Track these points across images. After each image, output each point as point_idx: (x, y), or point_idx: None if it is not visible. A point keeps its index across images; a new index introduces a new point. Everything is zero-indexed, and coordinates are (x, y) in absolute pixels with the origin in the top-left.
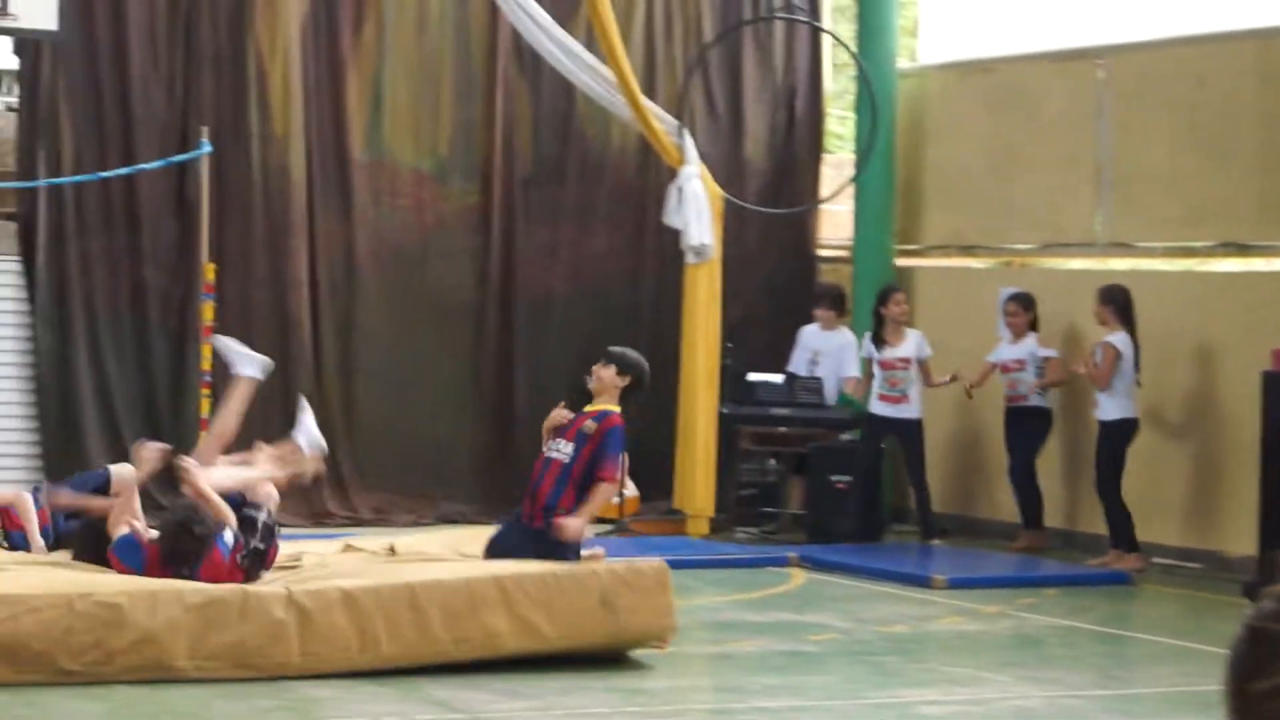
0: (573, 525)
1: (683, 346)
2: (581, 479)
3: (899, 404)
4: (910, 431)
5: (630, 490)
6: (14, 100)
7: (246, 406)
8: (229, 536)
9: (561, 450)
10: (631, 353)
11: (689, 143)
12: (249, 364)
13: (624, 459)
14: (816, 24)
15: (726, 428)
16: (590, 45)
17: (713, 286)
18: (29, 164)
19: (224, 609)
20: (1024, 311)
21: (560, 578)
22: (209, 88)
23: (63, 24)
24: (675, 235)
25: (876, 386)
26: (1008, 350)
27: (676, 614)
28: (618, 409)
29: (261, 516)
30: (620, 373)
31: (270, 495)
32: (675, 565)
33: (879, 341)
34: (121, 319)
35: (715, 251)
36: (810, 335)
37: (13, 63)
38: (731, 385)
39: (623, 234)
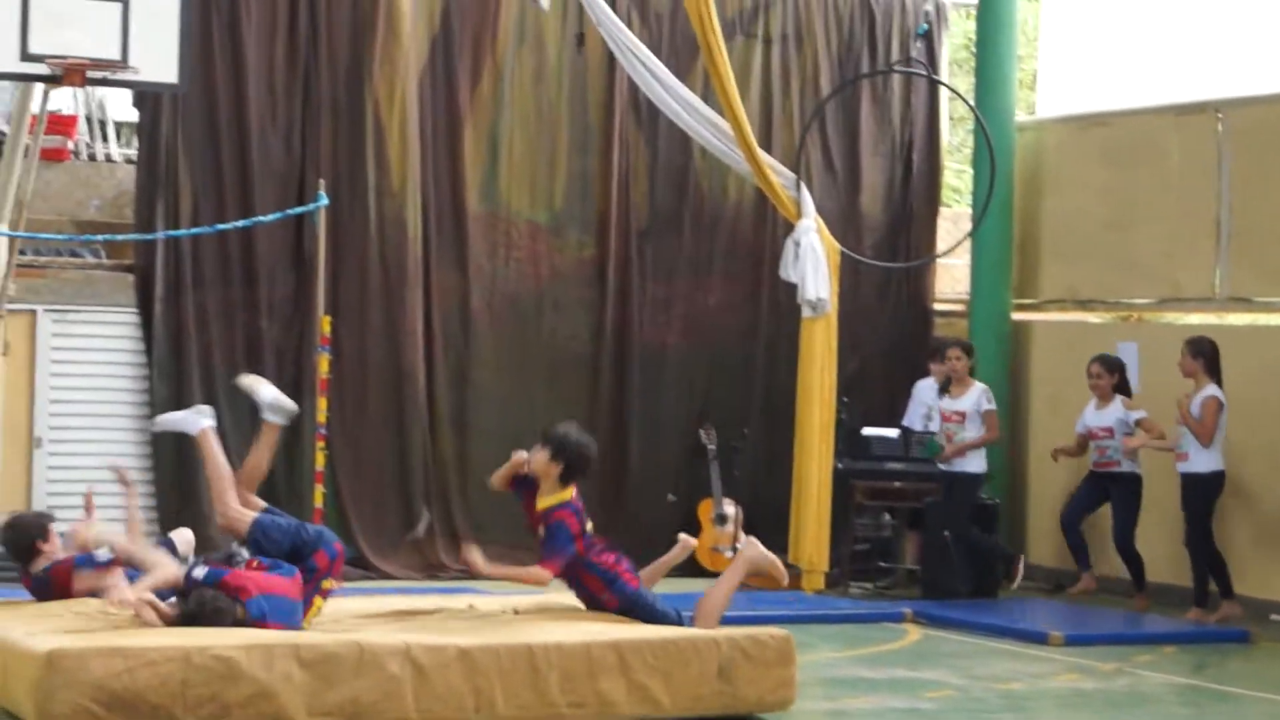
0: (477, 561)
1: (798, 401)
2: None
3: (954, 459)
4: (966, 485)
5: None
6: (133, 153)
7: (273, 450)
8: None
9: None
10: (570, 434)
11: (806, 196)
12: (275, 412)
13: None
14: (934, 77)
15: (841, 482)
16: (707, 98)
17: (829, 340)
18: (147, 216)
19: (339, 664)
20: (1108, 374)
21: (680, 646)
22: (326, 140)
23: (183, 77)
24: (791, 289)
25: (940, 438)
26: (1093, 416)
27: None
28: (563, 497)
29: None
30: (553, 458)
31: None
32: (789, 620)
33: (946, 392)
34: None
35: (831, 305)
36: (926, 390)
37: (132, 115)
38: (846, 440)
39: (738, 288)
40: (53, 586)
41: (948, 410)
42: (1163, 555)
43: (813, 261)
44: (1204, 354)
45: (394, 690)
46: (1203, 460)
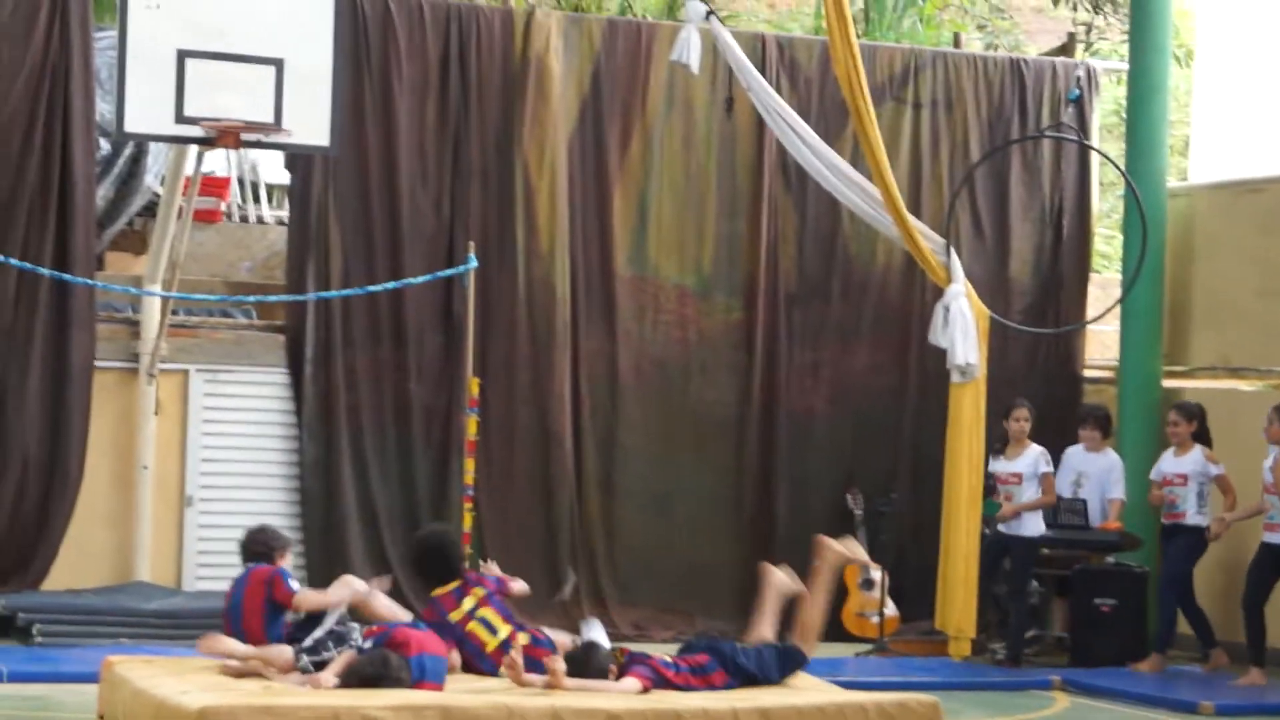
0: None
1: (946, 466)
2: None
3: (1011, 520)
4: (1021, 549)
5: (890, 610)
6: (285, 214)
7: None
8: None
9: None
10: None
11: (955, 261)
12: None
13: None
14: (1086, 143)
15: (989, 548)
16: (856, 163)
17: (977, 406)
18: (298, 277)
19: None
20: (1186, 422)
21: (828, 712)
22: (476, 202)
23: (334, 139)
24: (939, 354)
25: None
26: (1170, 463)
27: None
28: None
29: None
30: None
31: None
32: (936, 687)
33: (998, 455)
34: (385, 432)
35: (980, 371)
36: (1075, 456)
37: (284, 177)
38: (994, 506)
39: (886, 352)
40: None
41: (1003, 472)
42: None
43: (962, 327)
44: None
45: None
46: None
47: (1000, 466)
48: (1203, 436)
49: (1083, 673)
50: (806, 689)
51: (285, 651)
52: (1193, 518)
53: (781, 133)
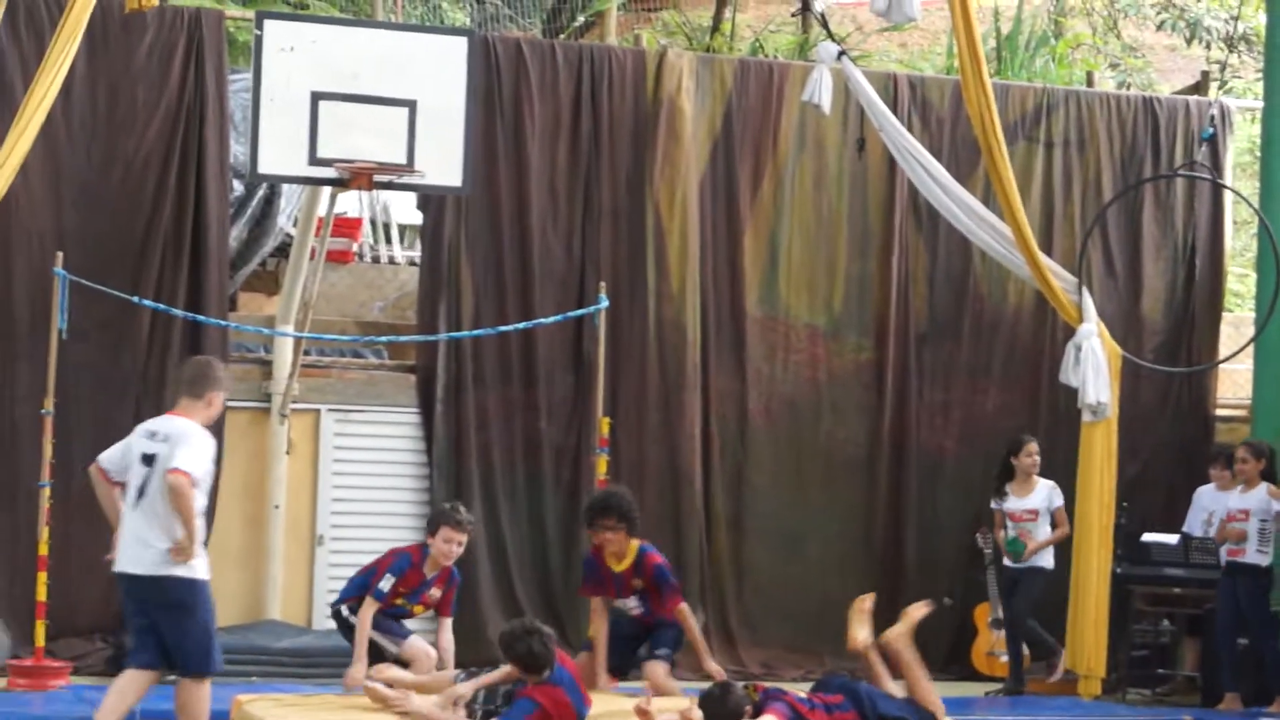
0: None
1: (1077, 505)
2: None
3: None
4: (1031, 580)
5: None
6: (416, 254)
7: None
8: None
9: None
10: None
11: (1088, 300)
12: None
13: None
14: (1220, 181)
15: (1120, 588)
16: (988, 202)
17: (1109, 445)
18: (430, 317)
19: None
20: (1254, 460)
21: None
22: (607, 242)
23: (466, 180)
24: (1071, 393)
25: (1008, 537)
26: (1236, 500)
27: None
28: None
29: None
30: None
31: None
32: None
33: (1002, 493)
34: (515, 471)
35: (1112, 410)
36: (1206, 495)
37: (416, 218)
38: (1126, 545)
39: (1017, 392)
40: None
41: (1018, 510)
42: None
43: (1094, 365)
44: None
45: None
46: None
47: (1014, 505)
48: (1270, 475)
49: (1214, 714)
50: None
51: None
52: (1253, 555)
53: (913, 172)
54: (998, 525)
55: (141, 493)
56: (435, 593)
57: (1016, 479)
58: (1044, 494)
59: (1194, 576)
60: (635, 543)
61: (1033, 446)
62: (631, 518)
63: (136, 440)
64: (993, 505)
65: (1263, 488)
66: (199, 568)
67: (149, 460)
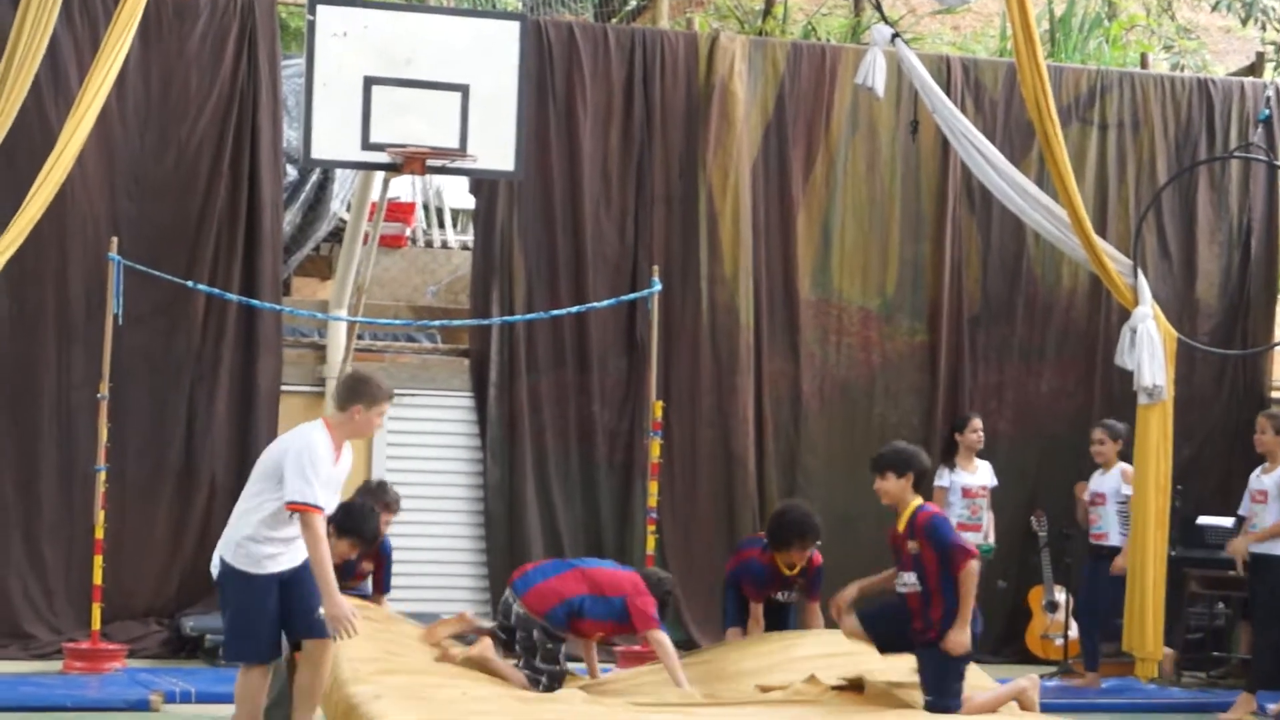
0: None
1: (1133, 488)
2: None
3: (976, 534)
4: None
5: (1075, 632)
6: (469, 239)
7: None
8: None
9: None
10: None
11: (1143, 283)
12: None
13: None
14: (1275, 163)
15: (1175, 571)
16: (1042, 184)
17: (1164, 428)
18: (483, 302)
19: None
20: (1111, 441)
21: None
22: (660, 226)
23: (519, 164)
24: (1124, 376)
25: (955, 516)
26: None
27: None
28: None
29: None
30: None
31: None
32: (1123, 709)
33: (951, 466)
34: (569, 455)
35: (1167, 393)
36: (1260, 478)
37: (469, 202)
38: (1181, 528)
39: (1071, 374)
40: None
41: (972, 487)
42: None
43: (1149, 348)
44: None
45: None
46: None
47: (968, 481)
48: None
49: (1270, 696)
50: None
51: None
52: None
53: (967, 155)
54: (942, 505)
55: None
56: (366, 567)
57: (960, 455)
58: (988, 471)
59: (1248, 556)
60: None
61: (977, 423)
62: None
63: None
64: (937, 483)
65: (1118, 470)
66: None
67: None
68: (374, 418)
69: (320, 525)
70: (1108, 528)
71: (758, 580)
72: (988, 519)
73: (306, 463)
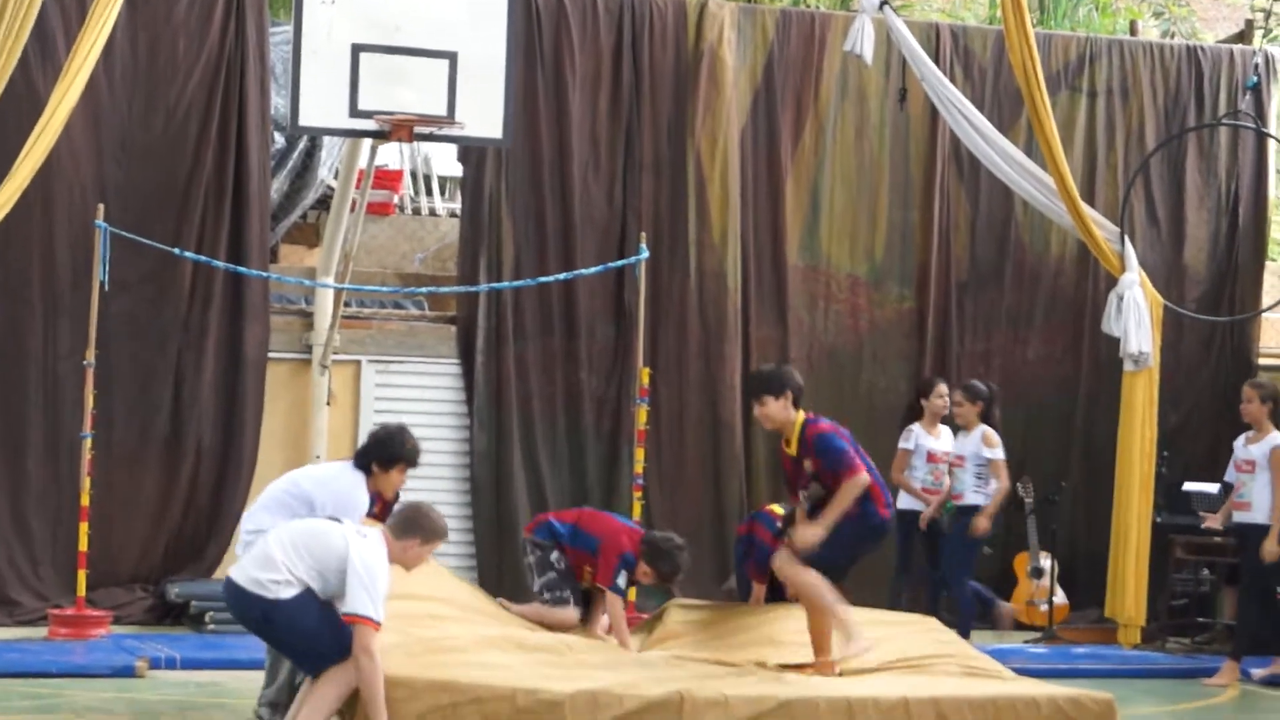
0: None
1: (1118, 454)
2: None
3: (933, 498)
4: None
5: (1060, 598)
6: (457, 206)
7: None
8: None
9: None
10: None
11: (1130, 250)
12: None
13: None
14: (1264, 130)
15: (1160, 537)
16: (1030, 152)
17: (1150, 394)
18: (470, 269)
19: (662, 712)
20: (1260, 402)
21: (1000, 705)
22: (648, 193)
23: (507, 131)
24: (1112, 343)
25: (918, 479)
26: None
27: None
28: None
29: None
30: None
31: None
32: (1106, 674)
33: (910, 432)
34: (556, 422)
35: (1154, 359)
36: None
37: (456, 170)
38: (1166, 494)
39: (1058, 341)
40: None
41: (938, 452)
42: None
43: (1135, 315)
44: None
45: None
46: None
47: (934, 445)
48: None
49: (1254, 661)
50: (983, 674)
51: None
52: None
53: (955, 123)
54: (900, 468)
55: None
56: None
57: (925, 419)
58: (974, 441)
59: (1234, 525)
60: None
61: (943, 388)
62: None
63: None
64: (901, 445)
65: (979, 432)
66: None
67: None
68: (425, 553)
69: (376, 642)
70: (964, 489)
71: (762, 567)
72: (966, 482)
73: (375, 578)
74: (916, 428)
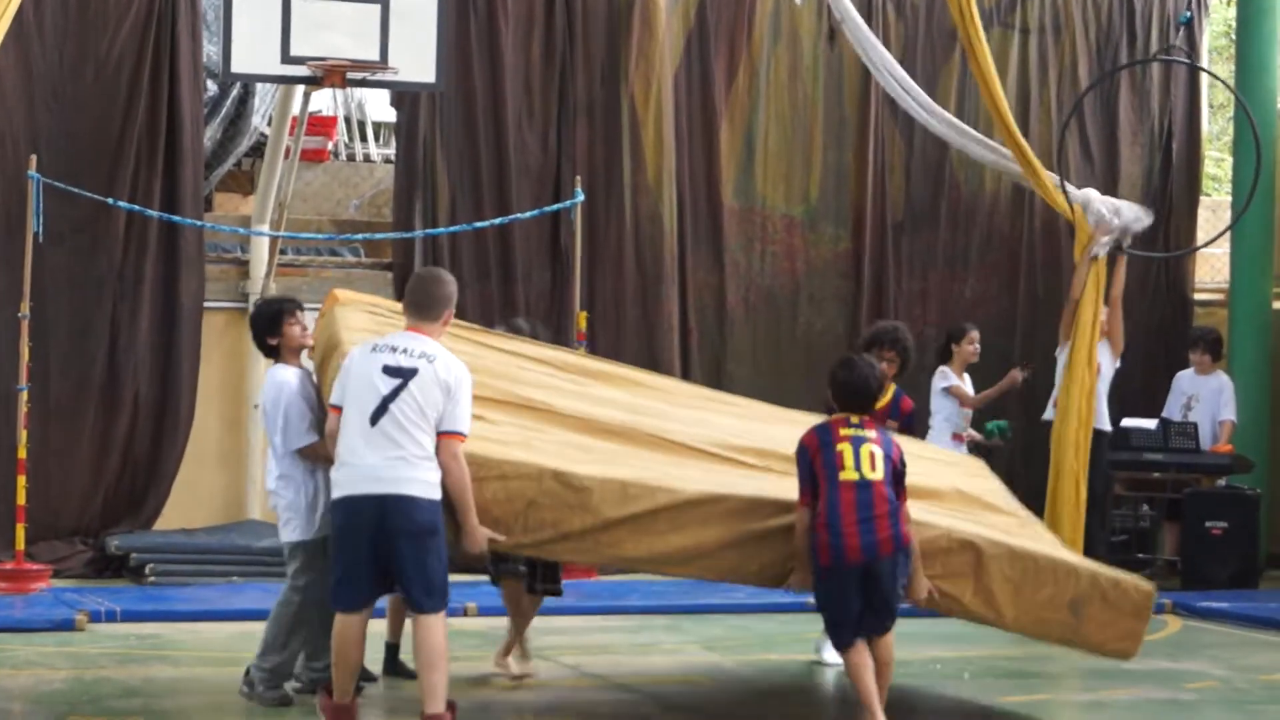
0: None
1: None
2: None
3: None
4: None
5: None
6: (391, 152)
7: None
8: None
9: None
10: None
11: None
12: None
13: None
14: (1197, 65)
15: (1099, 473)
16: (965, 89)
17: (1090, 330)
18: (406, 215)
19: (696, 509)
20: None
21: (1040, 566)
22: (583, 137)
23: (440, 76)
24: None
25: (954, 426)
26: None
27: (1143, 641)
28: None
29: None
30: None
31: None
32: None
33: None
34: None
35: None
36: (1185, 380)
37: (390, 115)
38: None
39: (995, 280)
40: None
41: (972, 398)
42: None
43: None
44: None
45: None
46: None
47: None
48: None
49: (1194, 595)
50: (1030, 534)
51: None
52: None
53: (878, 72)
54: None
55: (384, 410)
56: None
57: (955, 365)
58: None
59: (1173, 460)
60: None
61: (975, 334)
62: None
63: (369, 357)
64: (942, 385)
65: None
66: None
67: (400, 373)
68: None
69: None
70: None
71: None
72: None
73: (466, 393)
74: (948, 370)
